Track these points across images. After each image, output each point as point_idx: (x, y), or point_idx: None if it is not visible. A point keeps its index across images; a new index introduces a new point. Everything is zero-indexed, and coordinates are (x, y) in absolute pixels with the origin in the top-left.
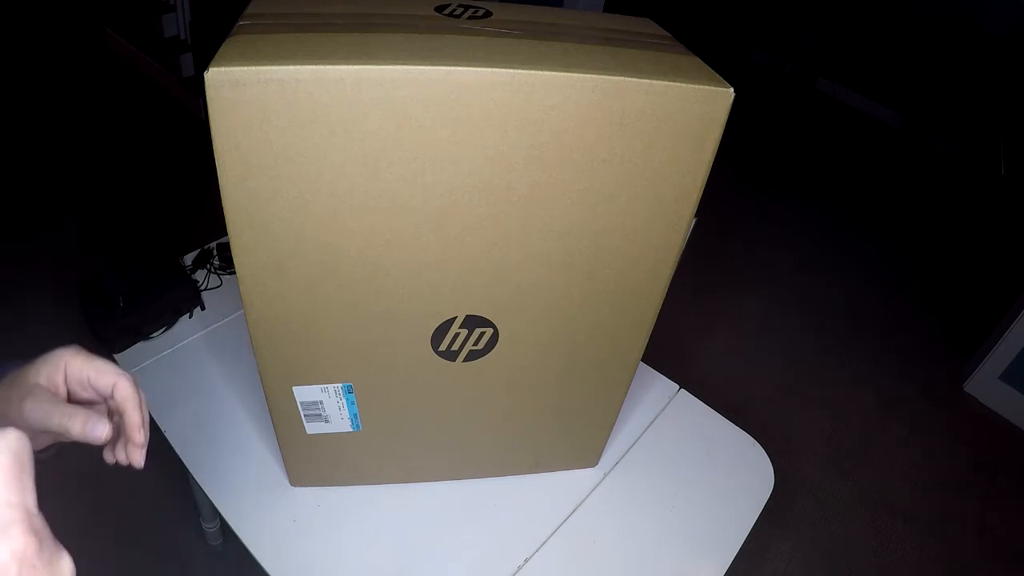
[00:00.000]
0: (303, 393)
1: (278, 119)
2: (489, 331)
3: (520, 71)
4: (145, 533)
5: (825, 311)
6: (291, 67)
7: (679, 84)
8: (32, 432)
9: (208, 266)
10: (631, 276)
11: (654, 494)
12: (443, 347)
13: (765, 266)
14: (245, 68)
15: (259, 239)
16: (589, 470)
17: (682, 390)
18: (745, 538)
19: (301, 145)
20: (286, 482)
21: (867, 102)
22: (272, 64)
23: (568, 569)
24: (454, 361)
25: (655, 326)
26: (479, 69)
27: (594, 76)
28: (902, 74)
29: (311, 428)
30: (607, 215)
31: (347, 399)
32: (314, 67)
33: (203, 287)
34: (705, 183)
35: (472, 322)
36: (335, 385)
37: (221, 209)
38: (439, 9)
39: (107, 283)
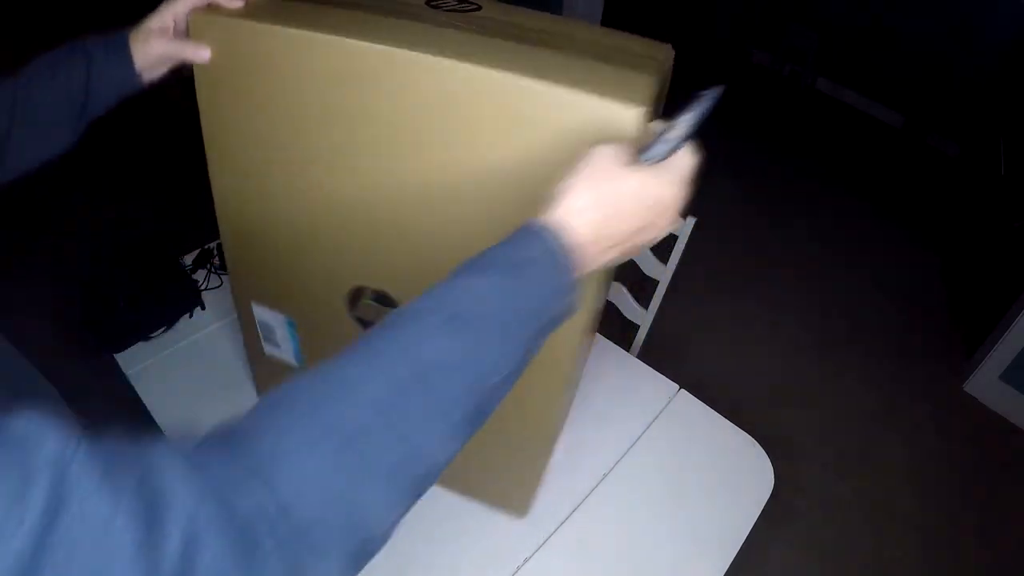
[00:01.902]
0: (260, 313)
1: (242, 63)
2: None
3: (423, 55)
4: None
5: (825, 311)
6: (254, 22)
7: (575, 93)
8: (155, 64)
9: (208, 266)
10: None
11: (654, 494)
12: (359, 313)
13: (765, 266)
14: (220, 17)
15: (226, 160)
16: (589, 470)
17: (682, 390)
18: (745, 538)
19: (259, 89)
20: None
21: (867, 102)
22: (242, 18)
23: (568, 569)
24: (365, 329)
25: (655, 326)
26: (388, 49)
27: (489, 71)
28: (902, 74)
29: (267, 348)
30: (503, 219)
31: (289, 331)
32: (271, 25)
33: (203, 287)
34: None
35: (382, 299)
36: (282, 316)
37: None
38: (430, 2)
39: (108, 283)
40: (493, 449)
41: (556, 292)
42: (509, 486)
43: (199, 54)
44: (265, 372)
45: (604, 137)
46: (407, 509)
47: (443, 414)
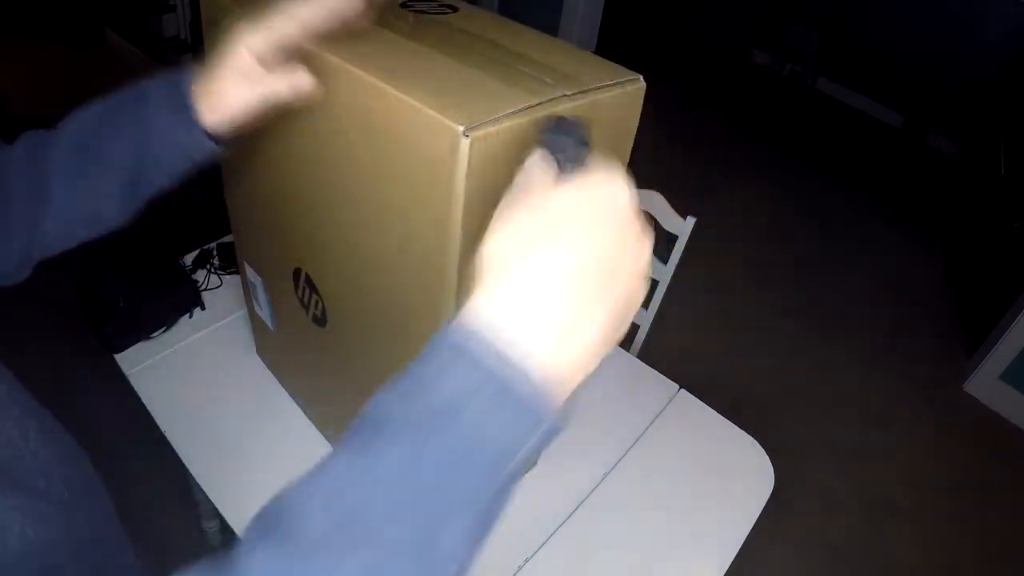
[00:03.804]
0: (248, 270)
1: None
2: (322, 303)
3: (322, 52)
4: (145, 533)
5: (825, 310)
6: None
7: (417, 104)
8: (234, 118)
9: (208, 266)
10: (409, 298)
11: (654, 494)
12: (299, 294)
13: (765, 265)
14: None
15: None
16: (589, 470)
17: (682, 390)
18: (745, 538)
19: None
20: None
21: (867, 102)
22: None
23: (568, 569)
24: (307, 315)
25: (655, 326)
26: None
27: (365, 75)
28: (902, 74)
29: (255, 307)
30: (384, 223)
31: (265, 296)
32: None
33: (203, 287)
34: (460, 234)
35: (310, 284)
36: (260, 278)
37: (220, 210)
38: (406, 3)
39: (108, 283)
40: None
41: (517, 425)
42: None
43: (300, 86)
44: (257, 327)
45: (432, 155)
46: None
47: None
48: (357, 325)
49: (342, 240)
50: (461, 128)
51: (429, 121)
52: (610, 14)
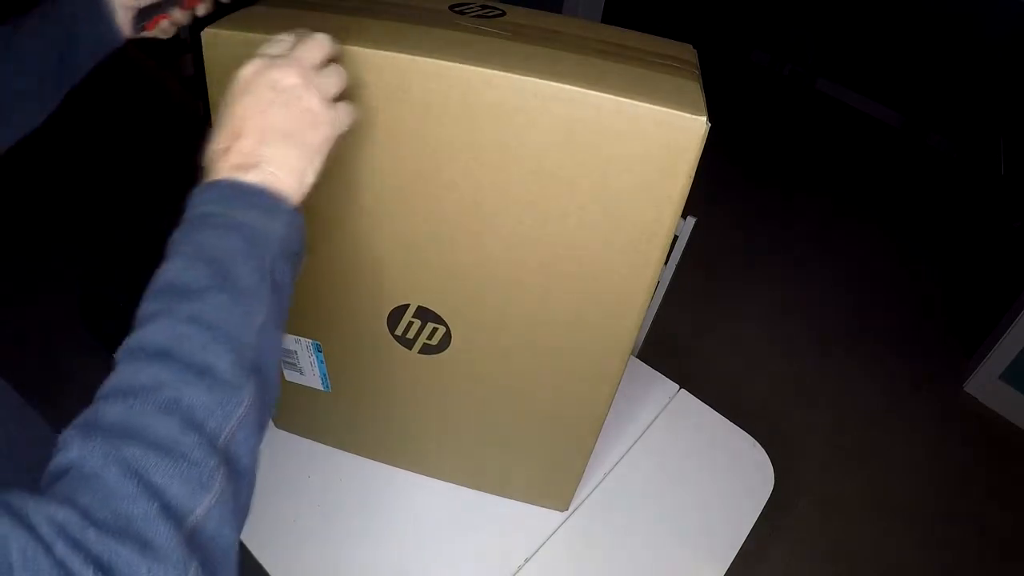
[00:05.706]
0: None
1: None
2: (442, 329)
3: (460, 65)
4: None
5: (825, 311)
6: (268, 36)
7: (641, 104)
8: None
9: None
10: (591, 312)
11: (654, 494)
12: (399, 332)
13: (766, 266)
14: (231, 32)
15: None
16: (588, 470)
17: (682, 390)
18: (745, 538)
19: None
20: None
21: (867, 102)
22: (254, 32)
23: (568, 569)
24: (410, 350)
25: (655, 326)
26: (423, 59)
27: (537, 80)
28: (902, 74)
29: (288, 375)
30: (557, 235)
31: (316, 357)
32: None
33: None
34: (676, 222)
35: (424, 315)
36: (307, 340)
37: None
38: (454, 7)
39: (108, 283)
40: (540, 448)
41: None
42: (548, 477)
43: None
44: (283, 400)
45: (667, 148)
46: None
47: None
48: (492, 341)
49: (495, 253)
50: (704, 118)
51: (664, 118)
52: (610, 14)
